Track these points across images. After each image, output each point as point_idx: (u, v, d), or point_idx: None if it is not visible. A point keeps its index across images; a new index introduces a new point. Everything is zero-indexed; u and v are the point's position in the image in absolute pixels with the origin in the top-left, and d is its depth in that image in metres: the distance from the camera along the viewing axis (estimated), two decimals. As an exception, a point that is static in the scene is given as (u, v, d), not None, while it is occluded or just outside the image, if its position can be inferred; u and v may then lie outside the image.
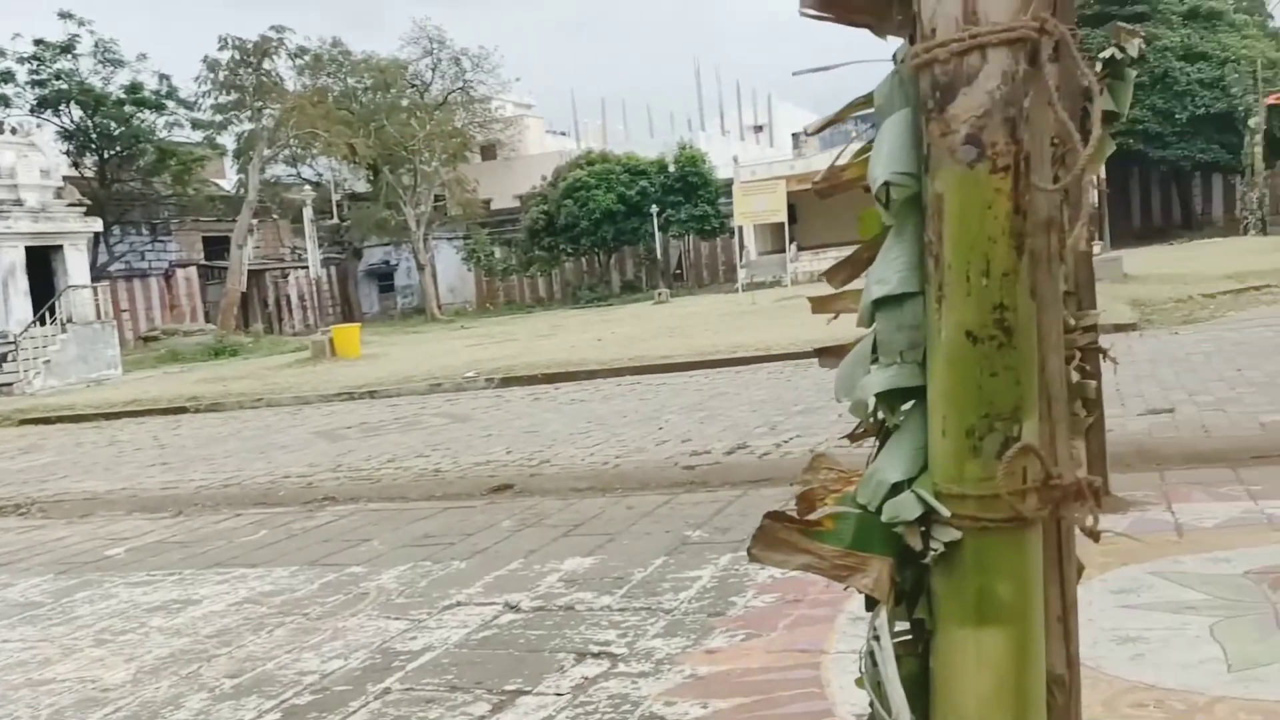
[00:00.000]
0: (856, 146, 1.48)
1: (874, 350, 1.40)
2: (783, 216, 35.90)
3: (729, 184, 39.04)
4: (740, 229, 39.41)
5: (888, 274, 1.38)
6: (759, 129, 57.76)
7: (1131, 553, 3.79)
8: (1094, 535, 1.39)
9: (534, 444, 8.59)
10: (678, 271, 45.78)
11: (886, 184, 1.36)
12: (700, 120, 55.64)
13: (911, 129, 1.35)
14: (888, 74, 1.40)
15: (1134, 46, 4.40)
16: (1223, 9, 38.52)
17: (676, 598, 4.12)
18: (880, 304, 1.38)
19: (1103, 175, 32.29)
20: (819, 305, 1.57)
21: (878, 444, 1.45)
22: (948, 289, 1.32)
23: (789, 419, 8.01)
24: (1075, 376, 4.71)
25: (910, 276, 1.36)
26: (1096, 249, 24.47)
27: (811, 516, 1.46)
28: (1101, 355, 4.91)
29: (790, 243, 37.29)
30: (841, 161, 1.51)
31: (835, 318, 1.55)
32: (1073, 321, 4.66)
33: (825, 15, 1.46)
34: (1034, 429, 1.38)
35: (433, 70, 44.14)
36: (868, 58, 1.58)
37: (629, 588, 4.30)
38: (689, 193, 41.50)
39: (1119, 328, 11.33)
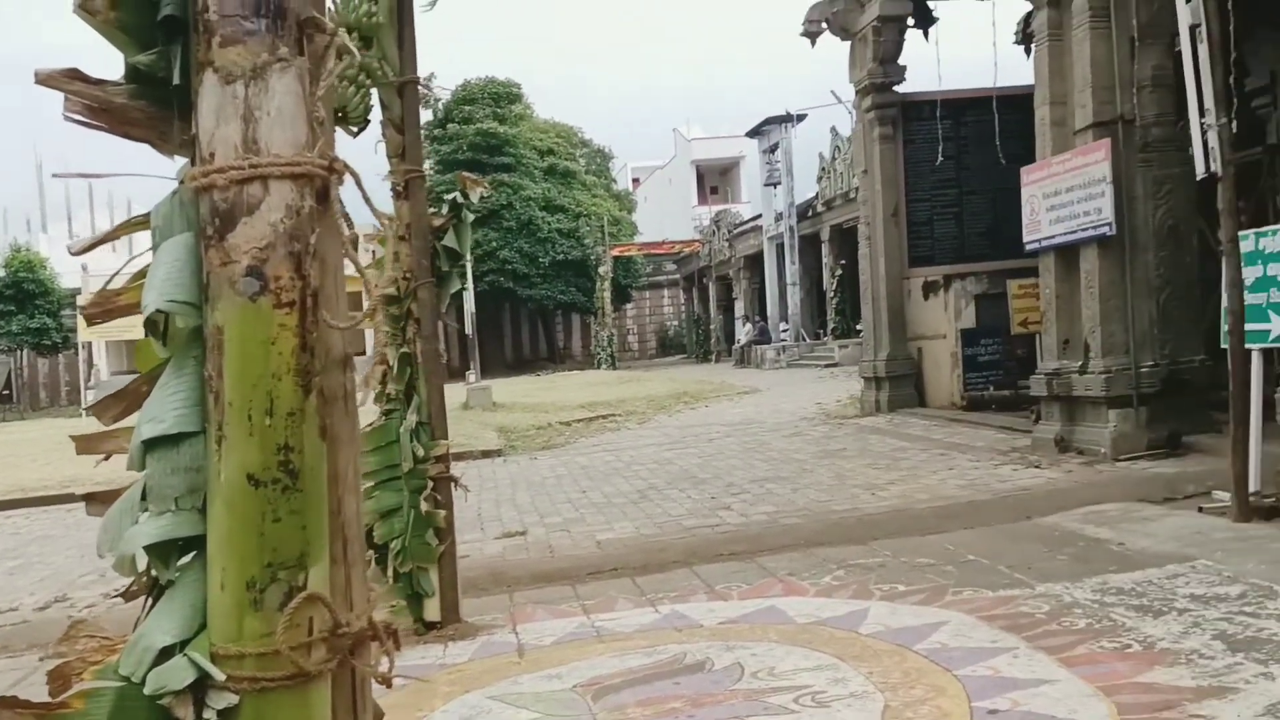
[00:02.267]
0: (137, 266, 1.39)
1: (145, 497, 1.29)
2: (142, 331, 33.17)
3: (77, 293, 35.34)
4: (89, 345, 35.64)
5: (163, 412, 1.29)
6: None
7: (476, 678, 4.06)
8: (386, 681, 1.41)
9: None
10: (5, 392, 39.81)
11: (161, 312, 1.29)
12: (43, 222, 50.33)
13: (194, 255, 1.30)
14: (169, 192, 1.35)
15: (476, 193, 4.81)
16: (576, 169, 45.74)
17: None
18: (153, 445, 1.28)
19: (473, 309, 35.32)
20: (84, 445, 1.41)
21: (149, 603, 1.32)
22: (229, 429, 1.28)
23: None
24: (426, 506, 4.87)
25: (189, 415, 1.29)
26: (470, 379, 26.60)
27: (63, 696, 1.28)
28: (453, 484, 5.15)
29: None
30: (117, 284, 1.40)
31: (106, 459, 1.41)
32: (422, 451, 4.84)
33: (97, 125, 1.36)
34: (324, 576, 1.38)
35: None
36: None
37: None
38: (24, 302, 36.99)
39: (486, 453, 12.42)
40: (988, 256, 13.04)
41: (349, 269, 1.44)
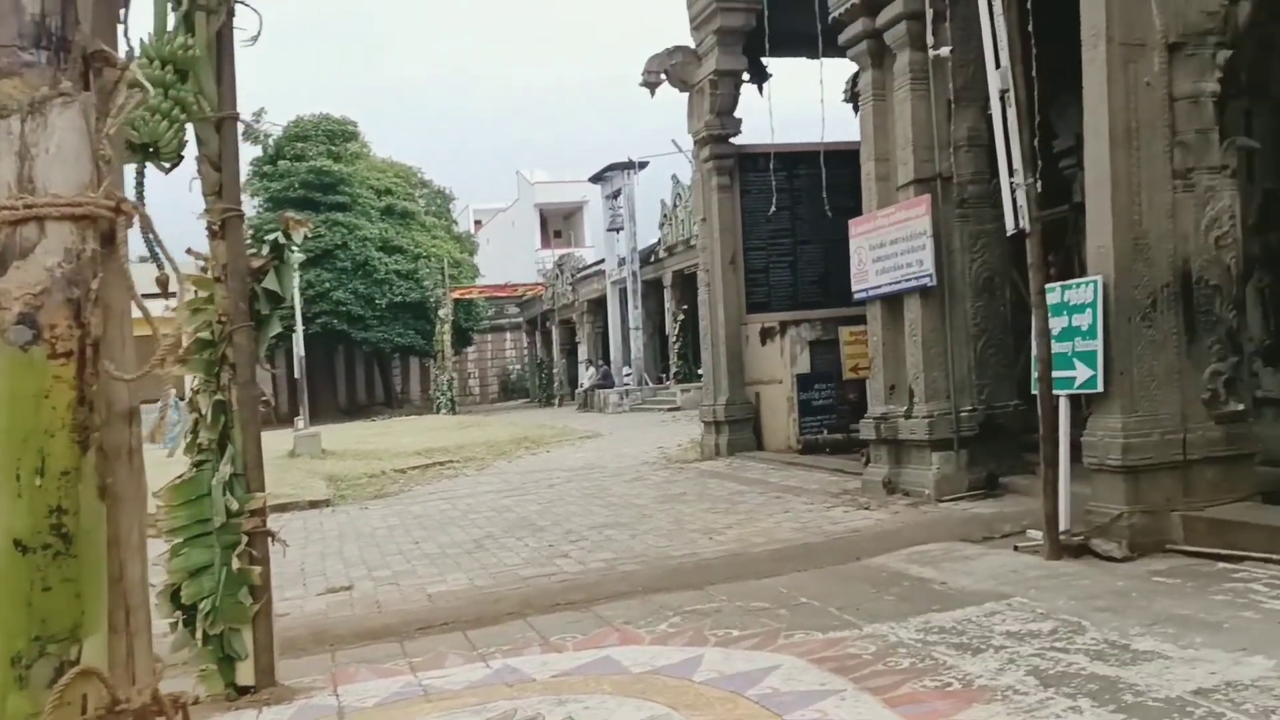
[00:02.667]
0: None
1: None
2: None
3: None
4: None
5: (-86, 471, 1.18)
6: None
7: (292, 749, 3.87)
8: (170, 757, 1.33)
9: None
10: None
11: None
12: None
13: (-43, 300, 1.21)
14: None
15: (300, 234, 4.65)
16: (415, 210, 45.18)
17: None
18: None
19: (302, 353, 34.15)
20: None
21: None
22: (-8, 490, 1.19)
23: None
24: (239, 563, 4.63)
25: (-56, 475, 1.19)
26: (299, 425, 25.64)
27: None
28: (271, 538, 4.91)
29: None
30: None
31: None
32: (236, 505, 4.62)
33: None
34: (101, 648, 1.28)
35: None
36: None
37: None
38: None
39: (314, 504, 11.97)
40: (821, 304, 13.59)
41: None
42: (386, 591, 6.83)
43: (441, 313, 41.22)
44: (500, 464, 16.20)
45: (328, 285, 39.95)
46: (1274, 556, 5.56)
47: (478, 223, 61.68)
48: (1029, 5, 6.29)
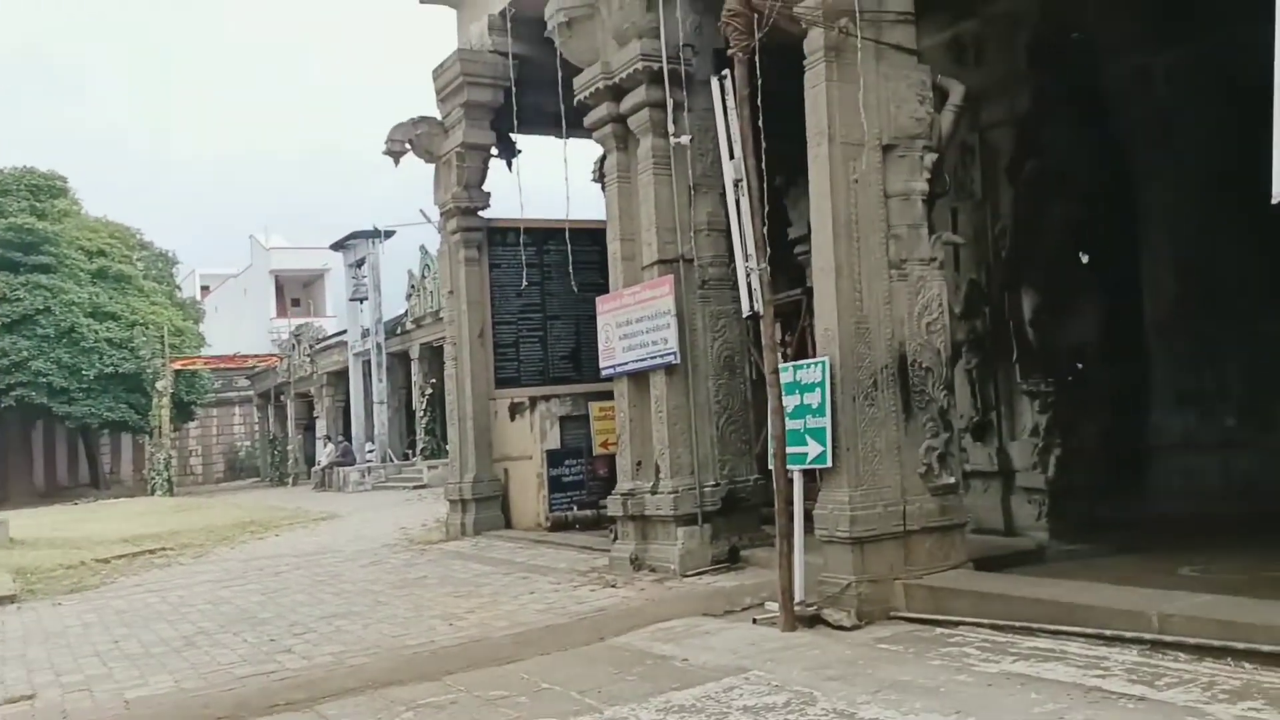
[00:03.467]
0: None
1: None
2: None
3: None
4: None
5: None
6: None
7: None
8: None
9: None
10: None
11: None
12: None
13: None
14: None
15: None
16: (133, 273, 42.05)
17: None
18: None
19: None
20: None
21: None
22: None
23: None
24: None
25: None
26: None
27: None
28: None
29: None
30: None
31: None
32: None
33: None
34: None
35: None
36: None
37: None
38: None
39: (-4, 601, 10.67)
40: (571, 379, 13.76)
41: None
42: (76, 699, 6.15)
43: (159, 385, 38.31)
44: (222, 551, 15.11)
45: (25, 354, 36.25)
46: (983, 621, 6.08)
47: (205, 288, 58.27)
48: (759, 103, 6.75)
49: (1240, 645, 4.91)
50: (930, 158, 6.89)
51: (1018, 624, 5.89)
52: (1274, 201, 4.25)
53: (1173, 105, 10.73)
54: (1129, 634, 5.39)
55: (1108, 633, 5.48)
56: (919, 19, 7.46)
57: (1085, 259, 8.92)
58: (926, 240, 6.94)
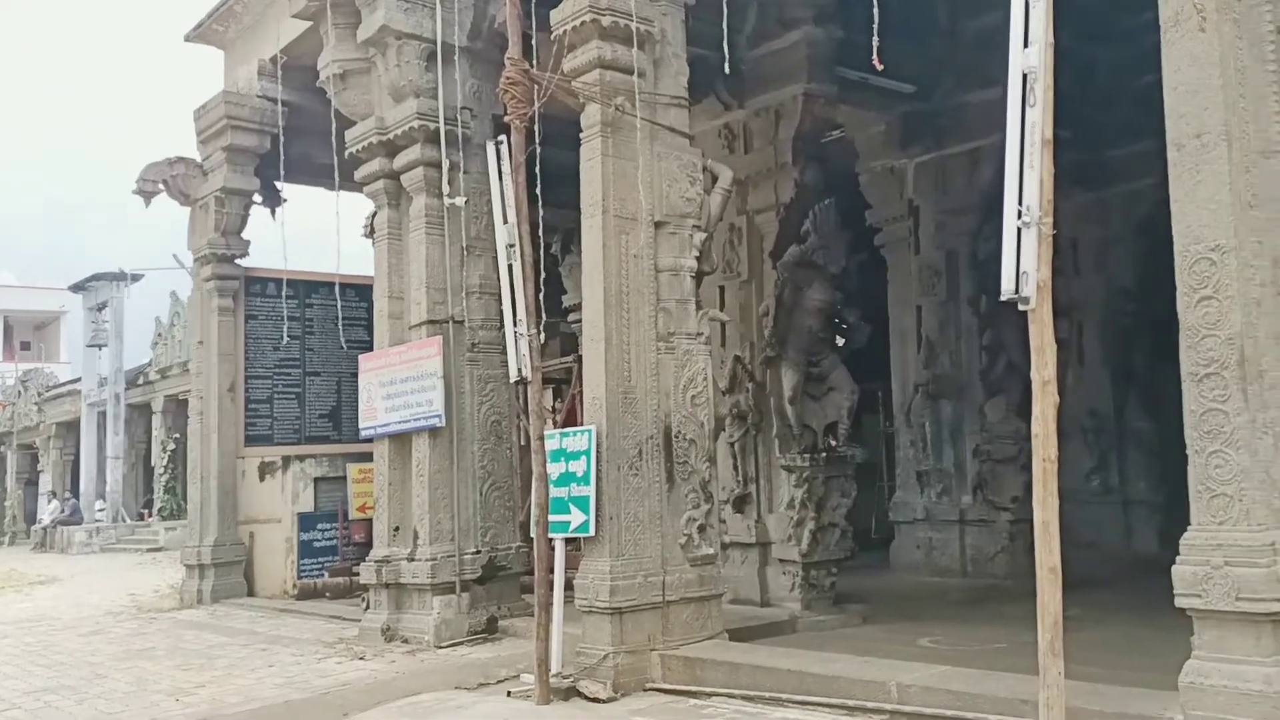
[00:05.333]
0: None
1: None
2: None
3: None
4: None
5: None
6: None
7: None
8: None
9: None
10: None
11: None
12: None
13: None
14: None
15: None
16: None
17: None
18: None
19: None
20: None
21: None
22: None
23: None
24: None
25: None
26: None
27: None
28: None
29: None
30: None
31: None
32: None
33: None
34: None
35: None
36: None
37: None
38: None
39: None
40: (330, 439, 13.24)
41: None
42: None
43: None
44: (-89, 620, 13.33)
45: None
46: (735, 691, 6.19)
47: (-79, 326, 52.35)
48: (538, 169, 6.80)
49: (970, 715, 5.22)
50: (699, 236, 7.13)
51: (768, 694, 6.03)
52: (1002, 298, 4.64)
53: (918, 203, 11.71)
54: (870, 704, 5.63)
55: (850, 703, 5.70)
56: (693, 105, 7.80)
57: (841, 342, 9.47)
58: (694, 315, 7.14)
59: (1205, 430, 4.53)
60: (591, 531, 6.61)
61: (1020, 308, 4.49)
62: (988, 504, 11.14)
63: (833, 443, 9.23)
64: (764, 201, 9.37)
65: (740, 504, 9.26)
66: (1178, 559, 4.55)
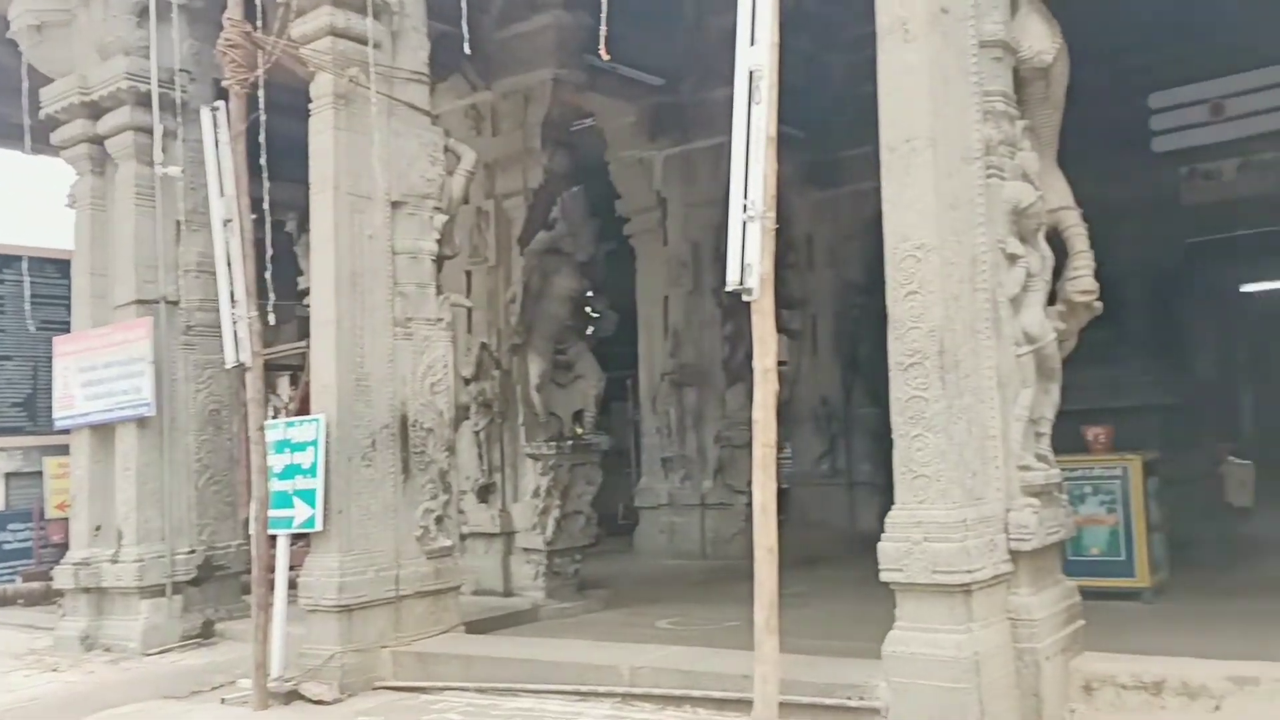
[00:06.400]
0: None
1: None
2: None
3: None
4: None
5: None
6: None
7: None
8: None
9: None
10: None
11: None
12: None
13: None
14: None
15: None
16: None
17: None
18: None
19: None
20: None
21: None
22: None
23: None
24: None
25: None
26: None
27: None
28: None
29: None
30: None
31: None
32: None
33: None
34: None
35: None
36: None
37: None
38: None
39: None
40: (25, 430, 12.12)
41: None
42: None
43: None
44: None
45: None
46: (469, 685, 6.16)
47: None
48: (264, 140, 6.45)
49: (697, 693, 5.45)
50: (440, 219, 7.01)
51: (501, 686, 6.05)
52: (727, 289, 4.85)
53: (666, 194, 12.05)
54: (602, 688, 5.75)
55: (584, 688, 5.81)
56: (438, 83, 7.65)
57: (590, 330, 9.62)
58: (434, 300, 7.01)
59: (909, 416, 4.92)
60: (318, 526, 6.37)
61: (745, 299, 4.70)
62: (727, 488, 11.65)
63: (579, 430, 9.36)
64: (512, 186, 9.33)
65: (485, 493, 9.22)
66: (883, 536, 4.93)
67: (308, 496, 6.42)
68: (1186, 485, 10.31)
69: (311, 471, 6.43)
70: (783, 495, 13.80)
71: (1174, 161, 13.36)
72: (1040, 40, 5.50)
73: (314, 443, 6.43)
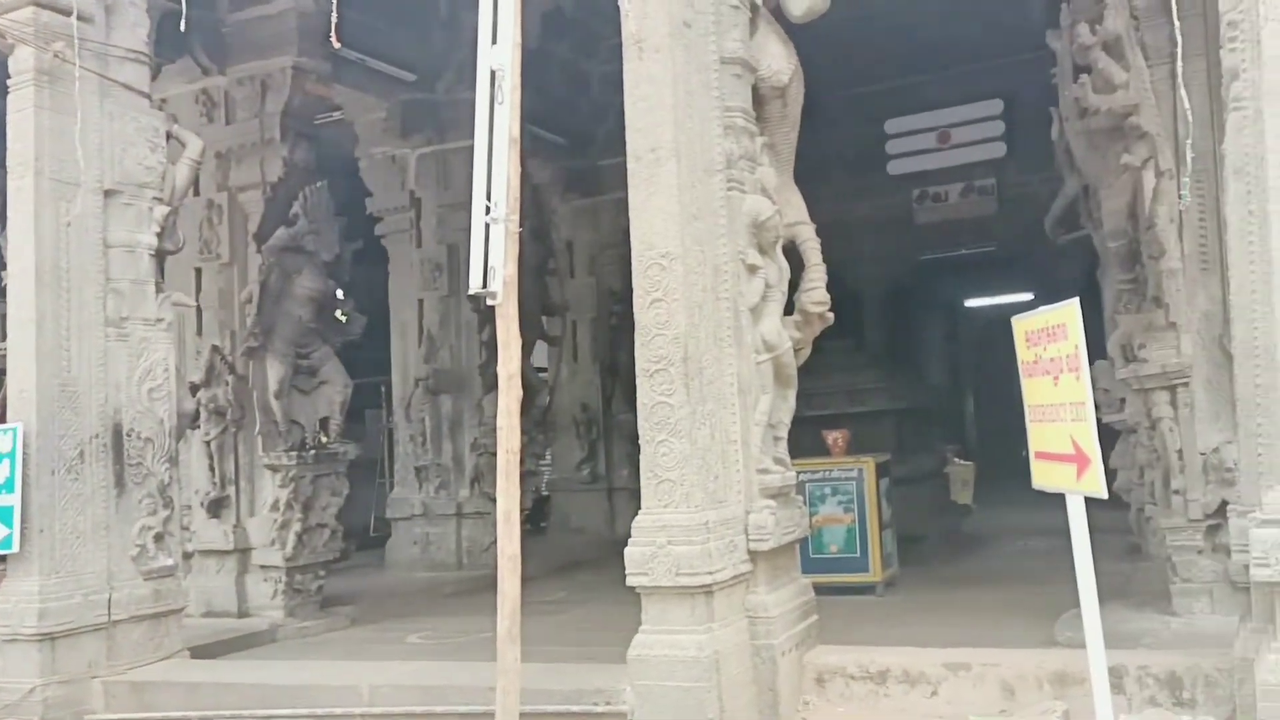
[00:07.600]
0: None
1: None
2: None
3: None
4: None
5: None
6: None
7: None
8: None
9: None
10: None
11: None
12: None
13: None
14: None
15: None
16: None
17: None
18: None
19: None
20: None
21: None
22: None
23: None
24: None
25: None
26: None
27: None
28: None
29: None
30: None
31: None
32: None
33: None
34: None
35: None
36: None
37: None
38: None
39: None
40: None
41: None
42: None
43: None
44: None
45: None
46: (190, 714, 5.78)
47: None
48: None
49: (440, 709, 5.34)
50: (161, 210, 6.54)
51: (228, 713, 5.73)
52: (469, 293, 4.76)
53: (419, 194, 11.78)
54: (339, 710, 5.55)
55: (320, 711, 5.58)
56: (166, 64, 7.15)
57: (350, 330, 9.28)
58: (154, 299, 6.54)
59: (655, 421, 5.01)
60: (14, 548, 5.80)
61: (488, 303, 4.63)
62: (484, 496, 11.49)
63: (324, 439, 8.98)
64: (249, 179, 8.85)
65: (216, 507, 8.69)
66: (630, 541, 4.99)
67: (4, 515, 5.84)
68: (915, 485, 11.11)
69: (8, 487, 5.86)
70: (544, 502, 13.91)
71: (908, 184, 14.44)
72: (778, 60, 5.75)
73: (10, 454, 5.86)
